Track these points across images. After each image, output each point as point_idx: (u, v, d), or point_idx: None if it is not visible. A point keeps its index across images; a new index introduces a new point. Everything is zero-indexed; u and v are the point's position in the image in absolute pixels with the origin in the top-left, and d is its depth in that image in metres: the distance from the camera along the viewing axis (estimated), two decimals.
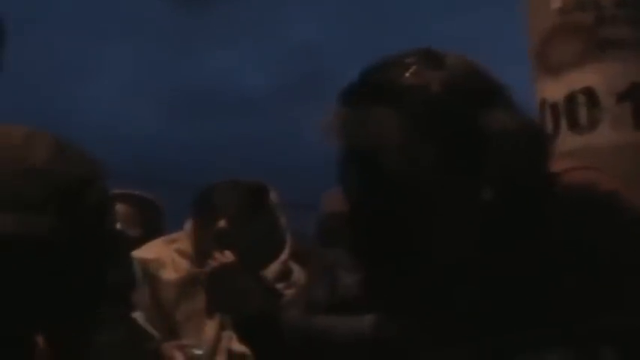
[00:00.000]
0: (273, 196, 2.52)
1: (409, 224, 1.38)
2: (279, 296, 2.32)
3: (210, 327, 2.37)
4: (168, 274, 2.45)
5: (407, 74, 1.39)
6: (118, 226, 2.89)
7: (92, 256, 1.40)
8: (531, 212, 1.38)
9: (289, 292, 2.34)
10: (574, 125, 2.29)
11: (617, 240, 1.40)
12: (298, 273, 2.45)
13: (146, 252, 2.53)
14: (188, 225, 2.55)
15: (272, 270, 2.44)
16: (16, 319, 1.33)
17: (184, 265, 2.47)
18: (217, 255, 2.33)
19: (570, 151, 2.20)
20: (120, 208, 2.94)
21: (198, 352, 2.35)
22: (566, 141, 2.27)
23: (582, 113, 2.29)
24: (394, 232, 1.40)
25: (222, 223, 2.42)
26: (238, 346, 2.34)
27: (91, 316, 1.41)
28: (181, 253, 2.50)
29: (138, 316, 2.38)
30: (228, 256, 2.32)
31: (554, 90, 2.36)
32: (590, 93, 2.29)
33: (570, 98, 2.31)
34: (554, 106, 2.34)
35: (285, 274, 2.46)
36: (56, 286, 1.40)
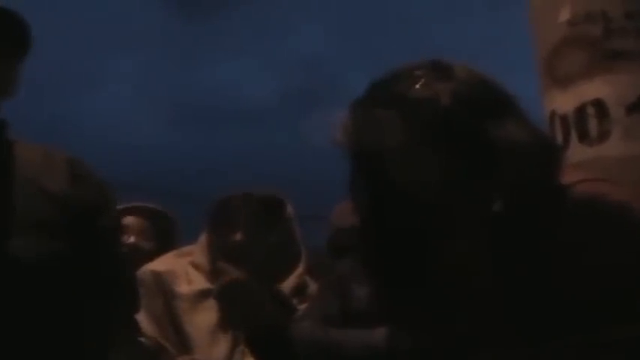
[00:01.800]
0: (288, 209, 2.49)
1: (420, 237, 1.38)
2: (293, 311, 2.29)
3: (224, 342, 2.35)
4: (182, 287, 2.43)
5: (416, 86, 1.39)
6: (132, 239, 2.90)
7: (103, 278, 1.42)
8: (541, 224, 1.37)
9: (304, 307, 2.27)
10: (584, 137, 2.29)
11: (628, 251, 1.38)
12: (314, 288, 2.39)
13: (159, 265, 2.50)
14: (203, 237, 2.52)
15: (288, 284, 2.42)
16: (33, 338, 1.34)
17: (199, 278, 2.44)
18: (230, 269, 2.28)
19: (580, 163, 2.20)
20: (133, 220, 2.95)
21: None
22: (576, 152, 2.27)
23: (592, 125, 2.28)
24: (405, 244, 1.39)
25: (237, 237, 2.41)
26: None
27: (103, 339, 1.42)
28: (196, 266, 2.47)
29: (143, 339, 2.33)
30: (241, 270, 2.26)
31: (564, 102, 2.36)
32: (599, 105, 2.29)
33: (580, 110, 2.31)
34: (563, 118, 2.34)
35: (300, 288, 2.44)
36: (69, 308, 1.41)
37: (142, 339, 2.30)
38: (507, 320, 1.36)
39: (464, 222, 1.37)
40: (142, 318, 2.32)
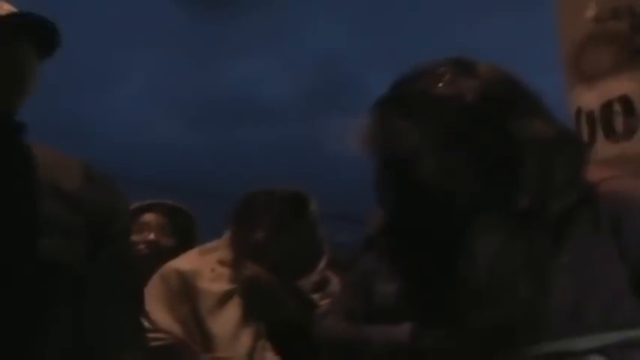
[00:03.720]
0: (312, 206, 2.50)
1: (445, 235, 1.37)
2: (314, 307, 2.30)
3: (246, 337, 2.36)
4: (207, 285, 2.43)
5: (440, 84, 1.39)
6: (152, 236, 2.90)
7: (114, 280, 1.44)
8: (568, 220, 1.37)
9: (325, 303, 2.31)
10: (610, 134, 2.27)
11: None
12: (335, 284, 2.43)
13: (184, 263, 2.51)
14: (227, 234, 2.53)
15: (309, 280, 2.44)
16: (44, 337, 1.34)
17: (225, 275, 2.45)
18: (252, 266, 2.34)
19: (607, 160, 2.18)
20: (152, 218, 2.95)
21: None
22: (603, 149, 2.25)
23: (618, 122, 2.26)
24: (430, 242, 1.39)
25: (259, 234, 2.42)
26: (272, 357, 2.34)
27: (109, 342, 1.44)
28: (222, 262, 2.47)
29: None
30: (262, 267, 2.32)
31: (590, 99, 2.34)
32: (626, 101, 2.27)
33: (606, 107, 2.29)
34: (589, 115, 2.32)
35: (322, 285, 2.45)
36: (85, 310, 1.42)
37: (162, 339, 2.33)
38: (533, 318, 1.34)
39: (489, 219, 1.36)
40: (167, 317, 2.37)
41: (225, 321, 2.39)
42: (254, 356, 2.35)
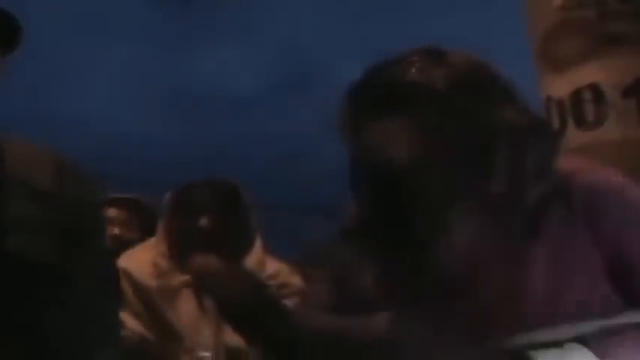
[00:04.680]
0: (246, 196, 2.60)
1: (421, 223, 1.36)
2: (265, 287, 2.36)
3: (207, 327, 2.43)
4: (154, 281, 2.48)
5: (411, 72, 1.38)
6: (116, 230, 2.88)
7: (88, 274, 1.42)
8: (542, 209, 1.37)
9: (270, 282, 2.43)
10: (580, 122, 2.27)
11: (633, 234, 1.38)
12: (273, 264, 2.57)
13: (126, 262, 2.52)
14: (161, 226, 2.58)
15: (250, 261, 2.53)
16: (21, 335, 1.33)
17: (168, 267, 2.50)
18: (200, 253, 2.31)
19: (578, 148, 2.17)
20: (116, 212, 2.93)
21: (206, 354, 2.40)
22: (573, 138, 2.25)
23: (588, 109, 2.26)
24: (407, 232, 1.38)
25: (203, 221, 2.47)
26: (235, 340, 2.37)
27: (91, 337, 1.42)
28: (163, 255, 2.52)
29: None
30: (209, 254, 2.29)
31: (560, 87, 2.34)
32: (595, 89, 2.27)
33: (576, 94, 2.29)
34: (560, 103, 2.32)
35: (261, 264, 2.55)
36: (55, 304, 1.41)
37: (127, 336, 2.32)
38: (509, 306, 1.35)
39: (464, 207, 1.36)
40: (124, 315, 2.34)
41: (184, 312, 2.44)
42: (217, 342, 2.41)
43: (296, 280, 2.53)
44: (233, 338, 2.36)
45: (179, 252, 2.47)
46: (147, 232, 2.95)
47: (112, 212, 2.94)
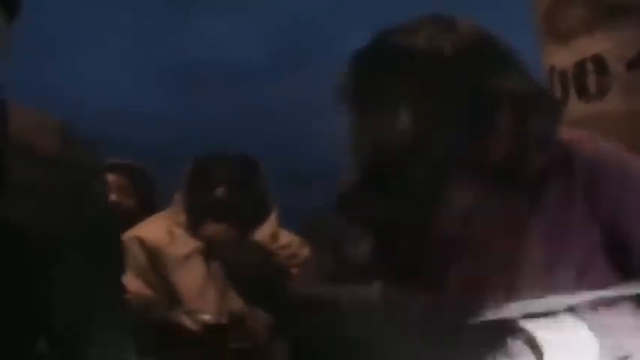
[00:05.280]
0: (261, 168, 2.71)
1: (420, 188, 1.36)
2: (274, 256, 2.54)
3: (212, 293, 2.54)
4: (170, 249, 2.58)
5: (419, 38, 1.39)
6: (112, 197, 2.86)
7: (95, 241, 1.42)
8: (543, 179, 1.37)
9: (281, 252, 2.58)
10: (583, 93, 2.25)
11: (632, 208, 1.38)
12: (286, 235, 2.68)
13: (144, 230, 2.62)
14: (178, 196, 2.67)
15: (264, 232, 2.65)
16: (20, 300, 1.33)
17: (183, 236, 2.60)
18: (214, 222, 2.51)
19: (580, 120, 2.15)
20: (113, 178, 2.91)
21: (206, 316, 2.49)
22: (576, 108, 2.23)
23: (591, 81, 2.24)
24: (404, 200, 1.38)
25: (220, 192, 2.59)
26: (237, 304, 2.52)
27: (91, 300, 1.42)
28: (178, 224, 2.62)
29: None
30: (225, 224, 2.50)
31: (563, 57, 2.31)
32: (599, 60, 2.24)
33: (579, 65, 2.26)
34: (563, 74, 2.30)
35: (274, 236, 2.67)
36: (56, 267, 1.38)
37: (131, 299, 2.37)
38: (507, 273, 1.34)
39: (465, 173, 1.36)
40: (135, 281, 2.48)
41: (192, 278, 2.54)
42: (220, 306, 2.52)
43: (305, 252, 2.58)
44: (237, 304, 2.52)
45: (194, 220, 2.59)
46: (143, 198, 2.96)
47: (110, 178, 2.92)
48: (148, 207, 2.82)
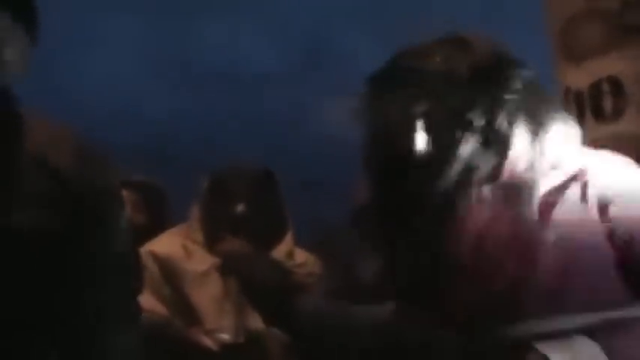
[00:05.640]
0: (277, 181, 2.67)
1: (432, 209, 1.35)
2: (291, 274, 2.50)
3: (230, 310, 2.51)
4: (185, 264, 2.54)
5: (435, 60, 1.39)
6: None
7: (103, 252, 1.42)
8: (556, 197, 1.36)
9: (297, 271, 2.54)
10: (599, 114, 2.24)
11: None
12: (301, 254, 2.63)
13: (159, 245, 2.59)
14: (195, 211, 2.63)
15: (281, 249, 2.61)
16: (30, 311, 1.33)
17: (199, 252, 2.56)
18: (233, 239, 2.47)
19: (596, 141, 2.14)
20: (125, 194, 2.90)
21: (225, 336, 2.46)
22: (592, 130, 2.22)
23: (607, 102, 2.23)
24: (417, 217, 1.36)
25: (239, 208, 2.55)
26: (255, 323, 2.49)
27: (107, 317, 1.42)
28: (193, 240, 2.58)
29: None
30: (244, 241, 2.46)
31: (579, 78, 2.31)
32: (615, 81, 2.23)
33: (595, 87, 2.26)
34: (578, 95, 2.29)
35: (290, 254, 2.63)
36: (68, 279, 1.39)
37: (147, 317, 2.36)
38: (518, 294, 1.32)
39: (477, 194, 1.35)
40: (150, 298, 2.41)
41: (210, 295, 2.51)
42: (237, 324, 2.48)
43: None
44: (253, 322, 2.49)
45: (212, 236, 2.55)
46: (154, 214, 2.95)
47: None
48: (159, 223, 2.80)
